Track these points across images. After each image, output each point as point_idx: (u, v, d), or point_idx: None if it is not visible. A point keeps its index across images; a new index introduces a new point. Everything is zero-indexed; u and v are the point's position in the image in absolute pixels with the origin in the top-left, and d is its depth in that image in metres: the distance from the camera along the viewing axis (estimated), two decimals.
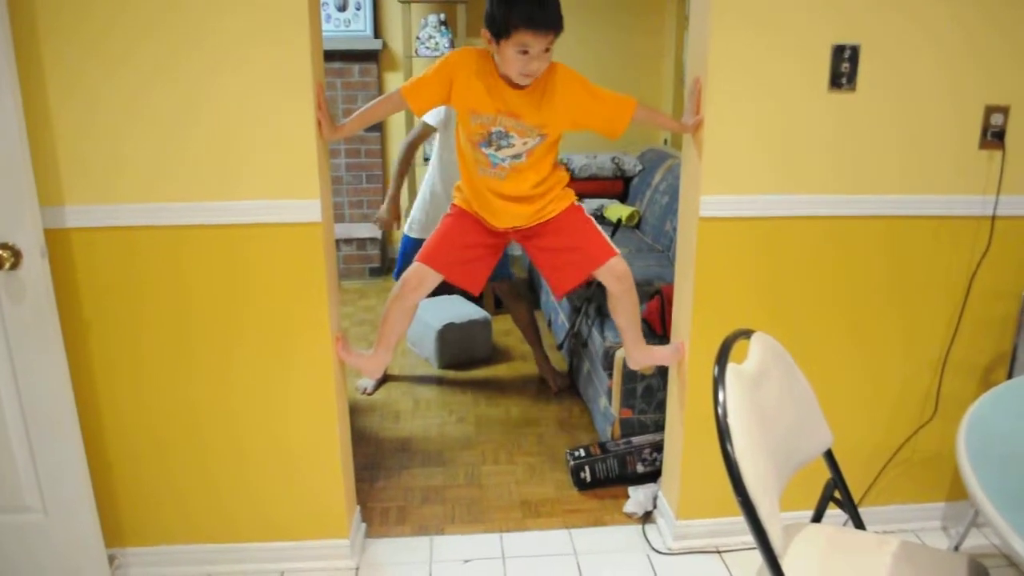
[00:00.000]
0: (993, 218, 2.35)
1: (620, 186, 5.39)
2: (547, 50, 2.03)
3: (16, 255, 2.04)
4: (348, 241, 5.62)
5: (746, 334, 1.66)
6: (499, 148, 2.17)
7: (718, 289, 2.33)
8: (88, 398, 2.26)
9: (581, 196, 5.19)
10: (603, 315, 3.32)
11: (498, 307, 4.94)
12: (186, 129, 2.10)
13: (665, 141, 5.61)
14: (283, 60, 2.06)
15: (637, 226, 4.95)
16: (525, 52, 2.01)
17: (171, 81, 2.06)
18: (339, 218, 5.81)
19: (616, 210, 5.00)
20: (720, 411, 1.44)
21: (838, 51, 2.19)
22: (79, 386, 2.20)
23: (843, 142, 2.26)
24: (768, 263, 2.33)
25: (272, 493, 2.40)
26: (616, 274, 2.31)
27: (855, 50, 2.19)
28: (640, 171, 5.31)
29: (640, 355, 2.45)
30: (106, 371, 2.27)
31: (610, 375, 3.03)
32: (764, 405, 1.56)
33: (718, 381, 1.48)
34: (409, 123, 5.47)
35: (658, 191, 4.75)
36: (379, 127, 5.70)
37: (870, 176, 2.30)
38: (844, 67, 2.20)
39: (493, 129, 2.14)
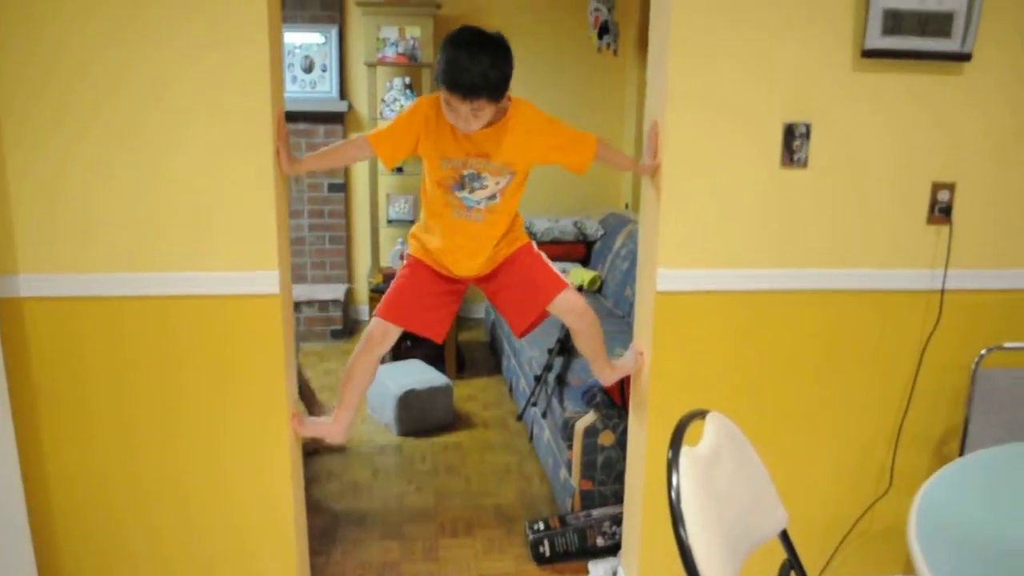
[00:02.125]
0: (942, 292, 2.40)
1: (582, 250, 5.43)
2: (477, 113, 2.00)
3: None
4: (310, 303, 5.58)
5: (700, 415, 1.66)
6: (472, 190, 2.16)
7: (675, 363, 2.34)
8: (35, 469, 2.21)
9: None
10: (563, 384, 3.31)
11: (460, 371, 4.91)
12: (140, 201, 2.09)
13: (626, 205, 5.68)
14: (242, 132, 2.07)
15: (599, 290, 4.98)
16: (453, 108, 2.01)
17: (128, 153, 2.06)
18: (301, 279, 5.78)
19: (578, 274, 5.02)
20: (673, 495, 1.43)
21: (789, 129, 2.24)
22: (25, 457, 2.16)
23: (796, 218, 2.31)
24: (724, 337, 2.35)
25: (223, 567, 2.34)
26: (573, 311, 2.31)
27: (807, 128, 2.25)
28: (602, 235, 5.36)
29: (607, 374, 2.45)
30: (54, 442, 2.22)
31: (570, 446, 3.01)
32: (718, 488, 1.55)
33: (671, 464, 1.47)
34: (373, 181, 5.49)
35: (619, 256, 4.79)
36: (343, 188, 5.71)
37: (823, 251, 2.34)
38: (796, 144, 2.25)
39: (465, 172, 2.14)
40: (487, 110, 2.01)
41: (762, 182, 2.27)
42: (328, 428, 2.41)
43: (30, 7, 1.98)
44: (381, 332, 2.30)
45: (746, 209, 2.28)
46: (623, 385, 2.92)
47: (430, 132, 2.13)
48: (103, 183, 2.08)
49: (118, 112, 2.05)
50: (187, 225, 2.12)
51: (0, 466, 2.09)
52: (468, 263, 2.27)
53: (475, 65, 1.94)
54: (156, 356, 2.19)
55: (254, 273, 2.14)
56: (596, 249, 5.36)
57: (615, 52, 5.62)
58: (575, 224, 5.40)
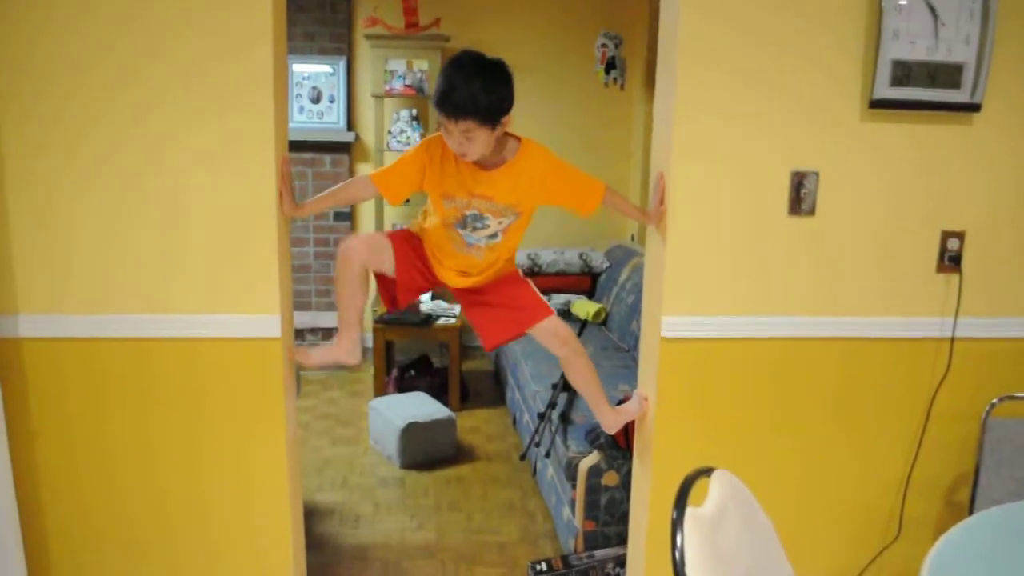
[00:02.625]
0: (952, 340, 2.38)
1: (587, 282, 5.42)
2: (468, 136, 1.97)
3: None
4: (314, 330, 5.58)
5: (706, 472, 1.63)
6: (474, 230, 2.15)
7: (680, 410, 2.32)
8: (34, 514, 2.19)
9: (548, 291, 5.20)
10: (567, 422, 3.29)
11: (464, 401, 4.89)
12: (142, 245, 2.10)
13: (632, 237, 5.67)
14: (244, 179, 2.07)
15: (604, 323, 4.96)
16: (448, 131, 2.00)
17: (131, 199, 2.07)
18: (305, 306, 5.77)
19: (583, 306, 5.01)
20: (677, 556, 1.41)
21: (797, 178, 2.23)
22: (24, 501, 2.15)
23: (803, 266, 2.29)
24: (729, 385, 2.33)
25: None
26: (557, 336, 2.27)
27: (814, 177, 2.24)
28: (607, 267, 5.35)
29: (609, 419, 2.41)
30: (51, 482, 2.21)
31: (574, 486, 2.99)
32: (722, 548, 1.53)
33: (676, 525, 1.45)
34: (379, 211, 5.50)
35: (624, 289, 4.78)
36: (349, 216, 5.71)
37: (831, 298, 2.32)
38: (803, 192, 2.24)
39: (467, 212, 2.13)
40: (479, 134, 1.97)
41: (769, 230, 2.26)
42: (335, 350, 2.27)
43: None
44: (364, 241, 2.21)
45: (752, 257, 2.27)
46: (627, 426, 2.90)
47: (435, 170, 2.12)
48: (106, 228, 2.08)
49: (124, 160, 2.06)
50: (188, 269, 2.11)
51: None
52: (457, 281, 2.27)
53: (467, 86, 1.93)
54: (151, 398, 2.18)
55: (255, 317, 2.13)
56: (601, 281, 5.35)
57: (622, 87, 5.65)
58: (580, 256, 5.40)
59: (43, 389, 2.15)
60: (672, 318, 2.25)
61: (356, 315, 2.25)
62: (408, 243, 2.25)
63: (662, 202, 2.24)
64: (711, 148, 2.20)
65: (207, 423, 2.20)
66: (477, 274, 2.25)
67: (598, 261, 5.40)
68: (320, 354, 2.30)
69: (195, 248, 2.10)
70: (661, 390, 2.29)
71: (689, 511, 1.47)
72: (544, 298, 2.32)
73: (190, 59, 2.03)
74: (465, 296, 2.33)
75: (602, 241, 5.71)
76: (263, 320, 2.13)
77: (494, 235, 2.17)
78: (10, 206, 2.04)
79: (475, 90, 1.93)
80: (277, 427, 2.21)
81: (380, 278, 2.26)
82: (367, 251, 2.18)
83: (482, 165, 2.09)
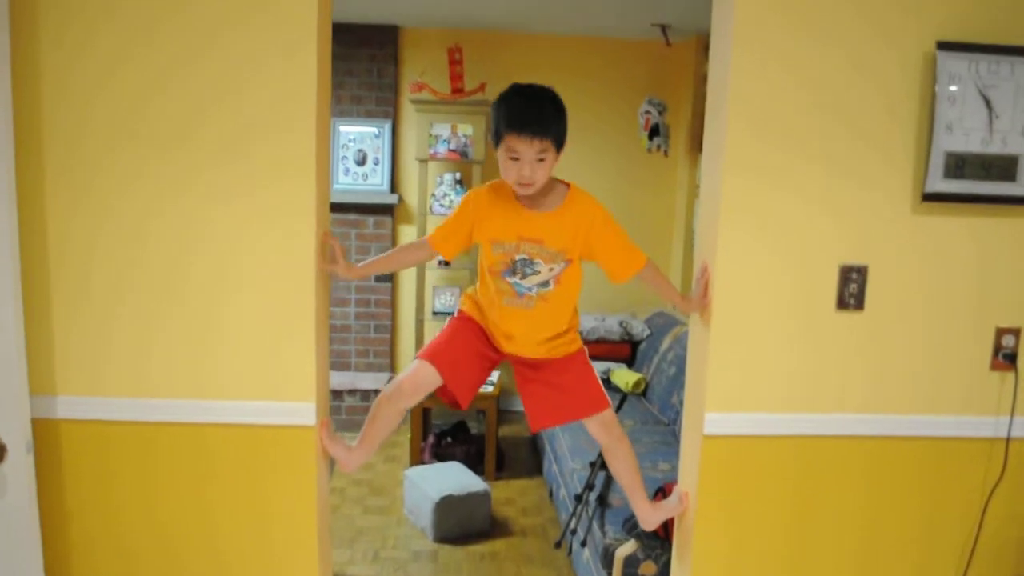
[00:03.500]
0: (1008, 440, 2.28)
1: (627, 350, 5.35)
2: (541, 160, 1.99)
3: (0, 450, 1.99)
4: (352, 392, 5.57)
5: None
6: (524, 276, 2.11)
7: (721, 509, 2.23)
8: None
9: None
10: (604, 505, 3.21)
11: (500, 469, 4.82)
12: (181, 331, 2.09)
13: (674, 305, 5.60)
14: (283, 266, 2.07)
15: (643, 394, 4.88)
16: (515, 159, 1.99)
17: (171, 285, 2.08)
18: (344, 366, 5.78)
19: (622, 375, 4.94)
20: None
21: (845, 271, 2.17)
22: None
23: (851, 362, 2.22)
24: (774, 484, 2.25)
25: None
26: (605, 427, 2.26)
27: (863, 271, 2.18)
28: (648, 336, 5.28)
29: (647, 515, 2.34)
30: (84, 568, 2.18)
31: (610, 574, 2.90)
32: None
33: None
34: (420, 273, 5.50)
35: (665, 360, 4.70)
36: (390, 278, 5.74)
37: (879, 396, 2.24)
38: (852, 288, 2.18)
39: (517, 257, 2.10)
40: (550, 157, 2.00)
41: (816, 324, 2.19)
42: (347, 453, 2.23)
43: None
44: (414, 384, 2.20)
45: (799, 352, 2.20)
46: None
47: (482, 218, 2.13)
48: (147, 315, 2.08)
49: (162, 230, 2.06)
50: (227, 355, 2.10)
51: None
52: (519, 347, 2.22)
53: (544, 106, 2.01)
54: (189, 483, 2.16)
55: (291, 404, 2.11)
56: (642, 349, 5.28)
57: (665, 153, 5.63)
58: (621, 323, 5.34)
59: (79, 470, 2.14)
60: (715, 415, 2.18)
61: (379, 442, 2.29)
62: (454, 351, 2.22)
63: (705, 294, 2.19)
64: (759, 240, 2.14)
65: (237, 509, 2.17)
66: (537, 338, 2.19)
67: (639, 329, 5.34)
68: (332, 444, 2.21)
69: (232, 335, 2.09)
70: (702, 488, 2.22)
71: None
72: (602, 386, 2.28)
73: (228, 133, 2.03)
74: (523, 372, 2.28)
75: (643, 308, 5.65)
76: (298, 407, 2.11)
77: (545, 283, 2.13)
78: (54, 298, 2.05)
79: (551, 110, 2.01)
80: (307, 509, 2.17)
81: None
82: (416, 396, 2.25)
83: (530, 206, 2.09)
